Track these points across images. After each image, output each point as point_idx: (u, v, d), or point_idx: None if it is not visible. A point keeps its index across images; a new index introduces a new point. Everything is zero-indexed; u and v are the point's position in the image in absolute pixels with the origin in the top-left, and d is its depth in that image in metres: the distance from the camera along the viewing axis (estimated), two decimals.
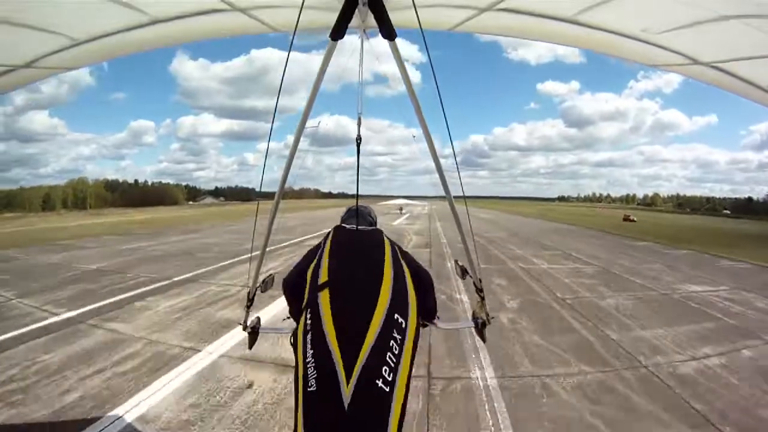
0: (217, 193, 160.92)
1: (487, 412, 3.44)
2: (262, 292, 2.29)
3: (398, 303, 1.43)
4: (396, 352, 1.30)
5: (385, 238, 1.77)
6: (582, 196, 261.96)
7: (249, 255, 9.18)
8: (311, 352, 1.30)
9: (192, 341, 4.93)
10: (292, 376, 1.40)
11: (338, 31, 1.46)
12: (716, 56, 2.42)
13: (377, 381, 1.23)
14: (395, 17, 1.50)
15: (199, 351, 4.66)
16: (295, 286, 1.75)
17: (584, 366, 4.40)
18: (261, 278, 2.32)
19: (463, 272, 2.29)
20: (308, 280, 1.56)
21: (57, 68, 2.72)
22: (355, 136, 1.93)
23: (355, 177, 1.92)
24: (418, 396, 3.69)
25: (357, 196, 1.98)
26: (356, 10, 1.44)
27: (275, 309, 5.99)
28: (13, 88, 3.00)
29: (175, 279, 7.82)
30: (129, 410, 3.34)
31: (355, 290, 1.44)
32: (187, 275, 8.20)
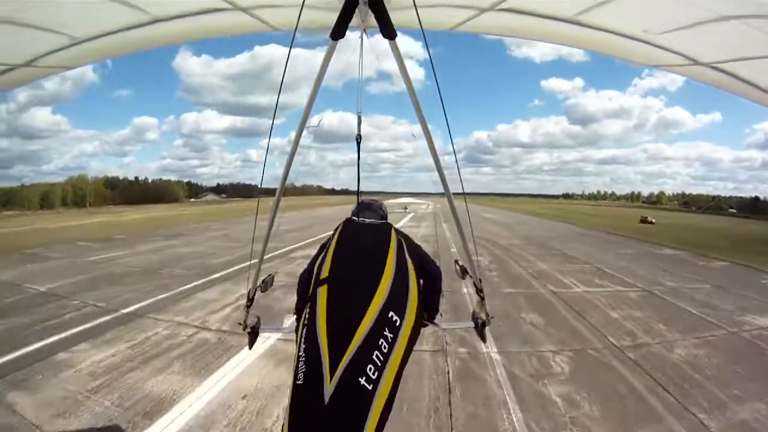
0: (218, 189, 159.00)
1: None
2: (261, 292, 2.28)
3: (395, 300, 1.42)
4: (385, 351, 1.30)
5: (392, 232, 1.75)
6: (586, 193, 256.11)
7: (223, 273, 7.14)
8: (303, 346, 1.32)
9: None
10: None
11: (339, 31, 1.46)
12: (716, 57, 2.43)
13: (360, 379, 1.23)
14: (396, 17, 1.50)
15: None
16: (307, 282, 1.75)
17: None
18: (261, 278, 2.30)
19: (463, 272, 2.29)
20: (314, 274, 1.56)
21: (58, 67, 2.73)
22: (353, 133, 1.93)
23: (361, 174, 1.93)
24: None
25: (358, 193, 2.00)
26: (357, 10, 1.44)
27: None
28: (15, 86, 3.01)
29: (123, 311, 5.93)
30: None
31: (353, 286, 1.44)
32: (139, 305, 6.20)
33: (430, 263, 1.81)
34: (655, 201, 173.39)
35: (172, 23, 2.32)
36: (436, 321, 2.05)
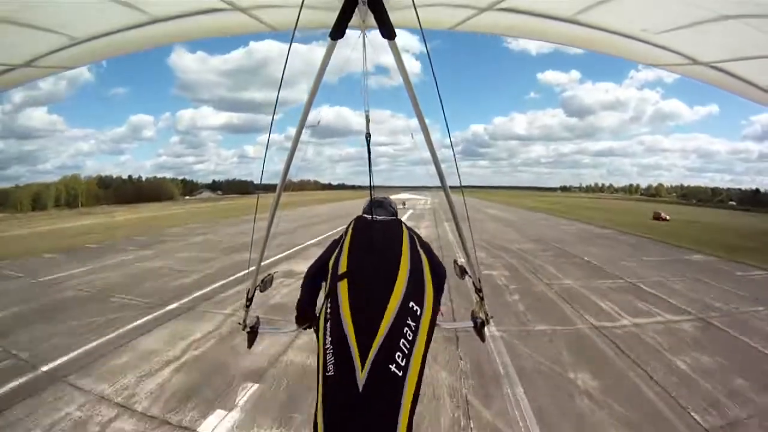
0: (214, 186, 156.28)
1: None
2: (261, 291, 2.29)
3: (414, 291, 1.47)
4: (410, 339, 1.35)
5: (403, 228, 1.81)
6: (584, 185, 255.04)
7: (182, 302, 6.05)
8: (330, 339, 1.36)
9: None
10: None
11: (338, 31, 1.47)
12: (716, 56, 2.43)
13: (390, 366, 1.28)
14: (395, 17, 1.50)
15: None
16: (316, 276, 1.85)
17: None
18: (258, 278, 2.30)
19: (462, 272, 2.29)
20: (330, 271, 1.61)
21: (57, 67, 2.73)
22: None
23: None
24: None
25: (371, 189, 2.03)
26: (356, 10, 1.44)
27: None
28: (14, 87, 3.01)
29: (42, 369, 4.27)
30: None
31: (373, 279, 1.49)
32: (62, 360, 4.52)
33: (437, 260, 1.83)
34: (654, 193, 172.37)
35: (171, 23, 2.32)
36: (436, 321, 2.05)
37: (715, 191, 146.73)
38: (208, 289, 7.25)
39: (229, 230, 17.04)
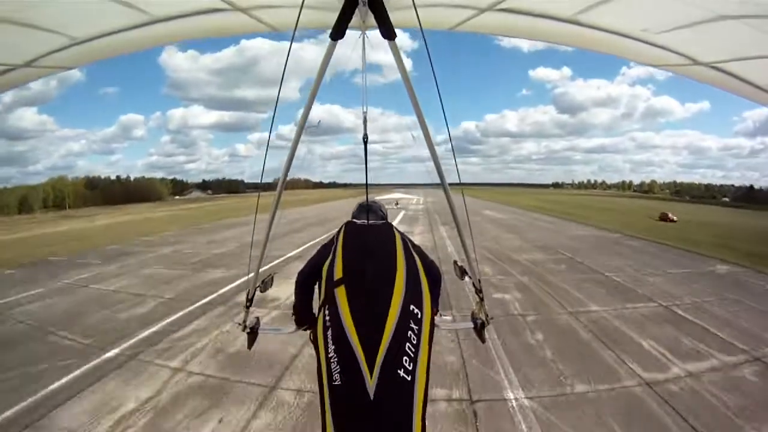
0: (204, 186, 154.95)
1: None
2: (261, 292, 2.28)
3: (413, 294, 1.47)
4: (414, 342, 1.34)
5: (395, 232, 1.79)
6: (576, 182, 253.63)
7: (123, 347, 4.80)
8: (333, 347, 1.34)
9: None
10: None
11: (338, 31, 1.46)
12: (716, 56, 2.43)
13: (399, 371, 1.27)
14: (395, 17, 1.50)
15: None
16: (308, 281, 1.82)
17: None
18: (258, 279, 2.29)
19: (462, 273, 2.29)
20: (324, 277, 1.59)
21: (57, 67, 2.72)
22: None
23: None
24: None
25: (367, 191, 2.02)
26: (356, 10, 1.44)
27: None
28: (14, 87, 3.01)
29: None
30: None
31: (371, 284, 1.47)
32: None
33: (431, 264, 1.83)
34: (647, 190, 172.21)
35: (171, 23, 2.32)
36: (436, 322, 2.04)
37: (708, 187, 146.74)
38: (158, 326, 5.67)
39: (206, 238, 14.97)
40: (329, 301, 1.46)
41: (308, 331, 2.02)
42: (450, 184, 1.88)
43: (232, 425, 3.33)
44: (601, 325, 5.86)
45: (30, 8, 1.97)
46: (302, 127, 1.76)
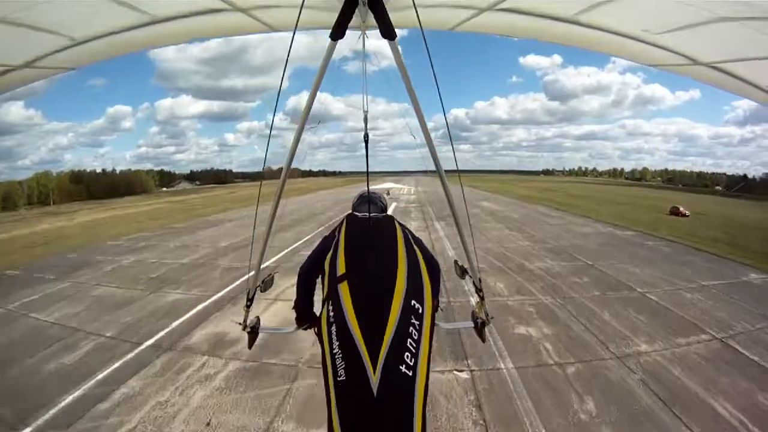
0: (192, 177, 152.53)
1: None
2: (261, 291, 2.28)
3: (414, 289, 1.48)
4: (416, 338, 1.36)
5: (396, 225, 1.80)
6: (567, 169, 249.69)
7: (44, 417, 3.47)
8: (337, 343, 1.35)
9: None
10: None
11: (338, 31, 1.47)
12: (716, 57, 2.43)
13: (401, 367, 1.29)
14: (395, 17, 1.50)
15: None
16: (310, 277, 1.83)
17: None
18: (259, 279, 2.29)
19: (463, 272, 2.29)
20: (326, 271, 1.60)
21: (58, 68, 2.72)
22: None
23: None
24: None
25: (368, 185, 2.03)
26: (356, 10, 1.44)
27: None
28: (14, 88, 3.01)
29: None
30: None
31: (373, 280, 1.49)
32: None
33: (431, 257, 1.83)
34: (639, 177, 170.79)
35: (171, 23, 2.32)
36: (435, 321, 2.05)
37: (700, 175, 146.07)
38: (83, 389, 4.19)
39: (177, 241, 12.91)
40: (333, 296, 1.47)
41: (308, 331, 2.02)
42: (446, 171, 1.88)
43: None
44: (661, 378, 4.43)
45: (30, 8, 1.97)
46: (303, 123, 1.76)
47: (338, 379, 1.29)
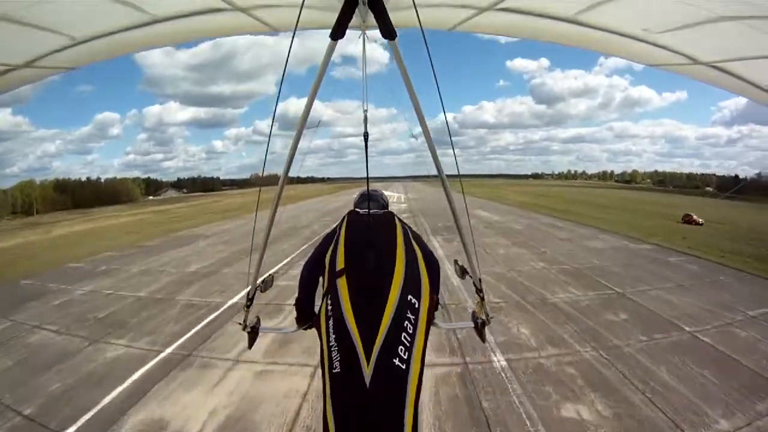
0: (179, 184, 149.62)
1: None
2: (261, 291, 2.28)
3: (411, 284, 1.50)
4: (410, 332, 1.38)
5: (396, 221, 1.82)
6: (556, 173, 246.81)
7: None
8: (333, 336, 1.38)
9: None
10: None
11: (338, 31, 1.47)
12: (716, 56, 2.43)
13: (394, 360, 1.31)
14: (395, 17, 1.50)
15: None
16: (313, 274, 1.85)
17: None
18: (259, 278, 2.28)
19: (463, 272, 2.29)
20: (327, 266, 1.62)
21: (58, 68, 2.72)
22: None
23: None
24: None
25: (368, 183, 2.05)
26: (356, 10, 1.44)
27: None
28: (14, 87, 3.00)
29: None
30: None
31: (370, 274, 1.51)
32: None
33: (430, 254, 1.83)
34: (629, 180, 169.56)
35: (171, 23, 2.32)
36: (435, 321, 2.04)
37: (690, 177, 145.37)
38: None
39: (143, 265, 10.61)
40: (331, 290, 1.49)
41: (309, 330, 2.02)
42: (448, 176, 1.87)
43: None
44: None
45: (30, 8, 1.97)
46: (302, 127, 1.76)
47: (333, 371, 1.32)
